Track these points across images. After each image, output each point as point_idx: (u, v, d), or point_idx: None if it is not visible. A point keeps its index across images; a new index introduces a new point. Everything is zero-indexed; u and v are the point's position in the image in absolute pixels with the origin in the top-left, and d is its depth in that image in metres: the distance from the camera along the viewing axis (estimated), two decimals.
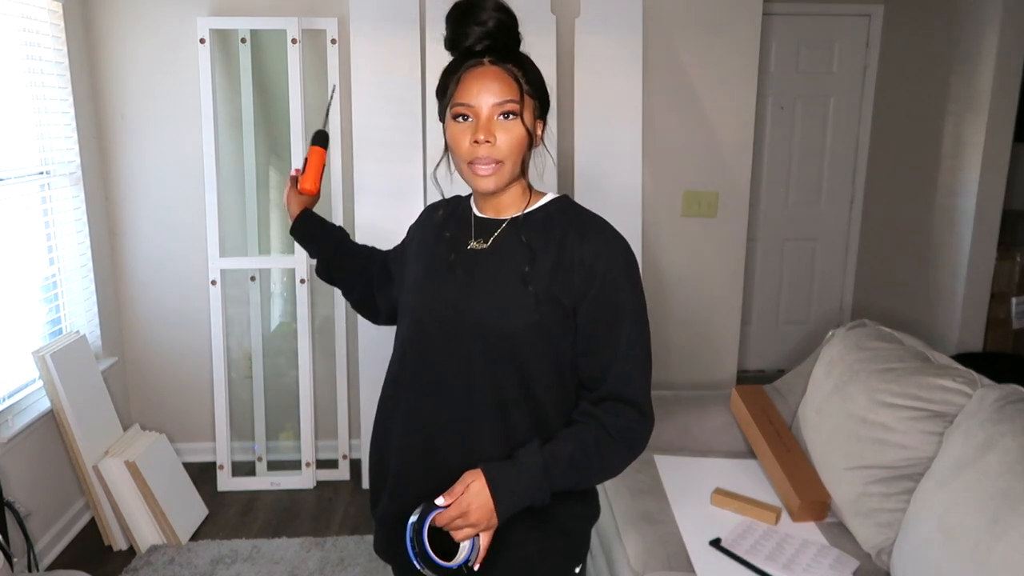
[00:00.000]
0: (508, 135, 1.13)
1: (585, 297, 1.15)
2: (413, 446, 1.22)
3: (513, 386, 1.16)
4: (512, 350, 1.15)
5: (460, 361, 1.17)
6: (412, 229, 1.42)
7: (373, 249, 1.54)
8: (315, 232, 1.53)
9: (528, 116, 1.15)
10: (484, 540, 1.11)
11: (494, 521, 1.10)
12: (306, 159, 1.54)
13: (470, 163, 1.15)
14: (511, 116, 1.13)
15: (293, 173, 1.58)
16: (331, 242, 1.52)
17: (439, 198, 1.36)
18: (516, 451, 1.14)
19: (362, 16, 2.83)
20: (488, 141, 1.12)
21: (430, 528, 1.11)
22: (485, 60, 1.14)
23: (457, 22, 1.14)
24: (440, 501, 1.10)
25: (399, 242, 1.46)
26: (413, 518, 1.11)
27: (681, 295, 3.19)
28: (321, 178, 1.55)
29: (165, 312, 3.10)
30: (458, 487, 1.11)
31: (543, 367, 1.17)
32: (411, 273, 1.30)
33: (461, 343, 1.17)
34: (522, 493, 1.11)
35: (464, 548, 1.11)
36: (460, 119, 1.14)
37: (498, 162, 1.14)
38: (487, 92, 1.12)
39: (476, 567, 1.12)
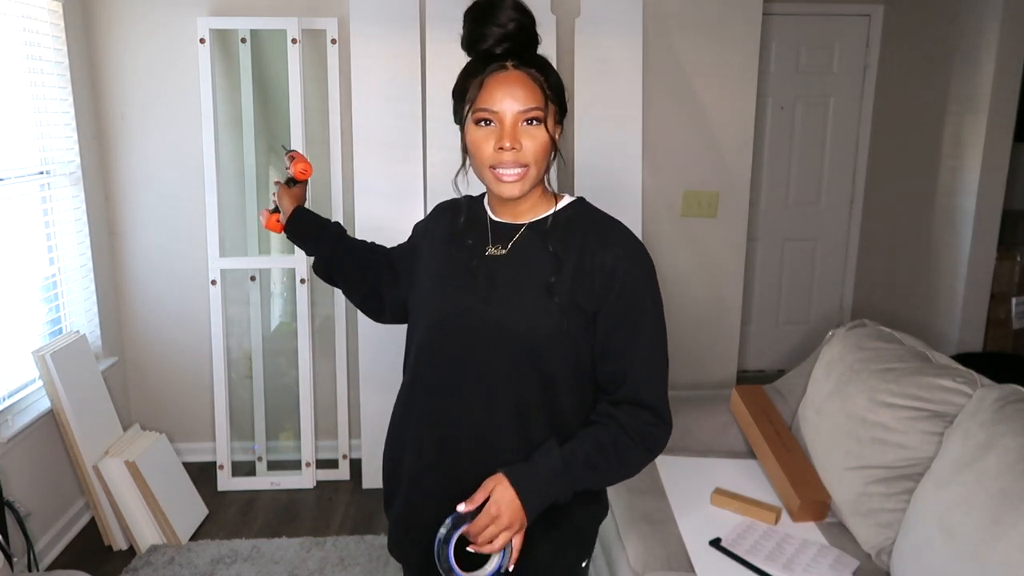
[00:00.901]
0: (533, 141, 1.13)
1: (605, 302, 1.15)
2: (429, 450, 1.22)
3: (534, 391, 1.16)
4: (535, 356, 1.15)
5: (481, 366, 1.17)
6: (420, 228, 1.39)
7: (374, 245, 1.49)
8: (311, 229, 1.46)
9: (551, 122, 1.15)
10: (517, 541, 1.12)
11: (524, 521, 1.11)
12: (291, 156, 1.52)
13: (492, 167, 1.14)
14: (535, 122, 1.12)
15: (278, 180, 1.55)
16: (329, 239, 1.45)
17: (441, 198, 1.36)
18: (533, 453, 1.15)
19: (362, 16, 2.83)
20: (514, 148, 1.11)
21: (459, 540, 1.11)
22: (509, 64, 1.13)
23: (475, 22, 1.13)
24: (461, 507, 1.10)
25: (403, 240, 1.44)
26: (442, 532, 1.11)
27: (681, 295, 3.19)
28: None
29: (165, 312, 3.10)
30: (479, 494, 1.11)
31: (564, 371, 1.17)
32: (424, 276, 1.28)
33: (483, 349, 1.17)
34: (545, 490, 1.12)
35: (495, 555, 1.12)
36: (483, 123, 1.13)
37: (524, 167, 1.13)
38: (512, 98, 1.11)
39: (511, 568, 1.13)
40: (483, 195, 1.29)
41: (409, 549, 1.29)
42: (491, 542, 1.10)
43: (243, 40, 2.91)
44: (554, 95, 1.16)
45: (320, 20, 2.89)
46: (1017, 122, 3.16)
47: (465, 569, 1.12)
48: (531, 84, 1.13)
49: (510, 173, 1.13)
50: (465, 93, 1.15)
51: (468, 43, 1.15)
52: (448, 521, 1.11)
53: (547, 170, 1.19)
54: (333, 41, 2.89)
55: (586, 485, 1.15)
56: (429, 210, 1.42)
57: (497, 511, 1.09)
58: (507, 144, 1.11)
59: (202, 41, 2.81)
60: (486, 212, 1.26)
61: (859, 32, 3.95)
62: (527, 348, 1.15)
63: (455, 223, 1.28)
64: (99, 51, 2.90)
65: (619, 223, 1.22)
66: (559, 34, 2.90)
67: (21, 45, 2.50)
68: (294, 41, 2.82)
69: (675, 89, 3.04)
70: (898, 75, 3.80)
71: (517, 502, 1.09)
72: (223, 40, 2.92)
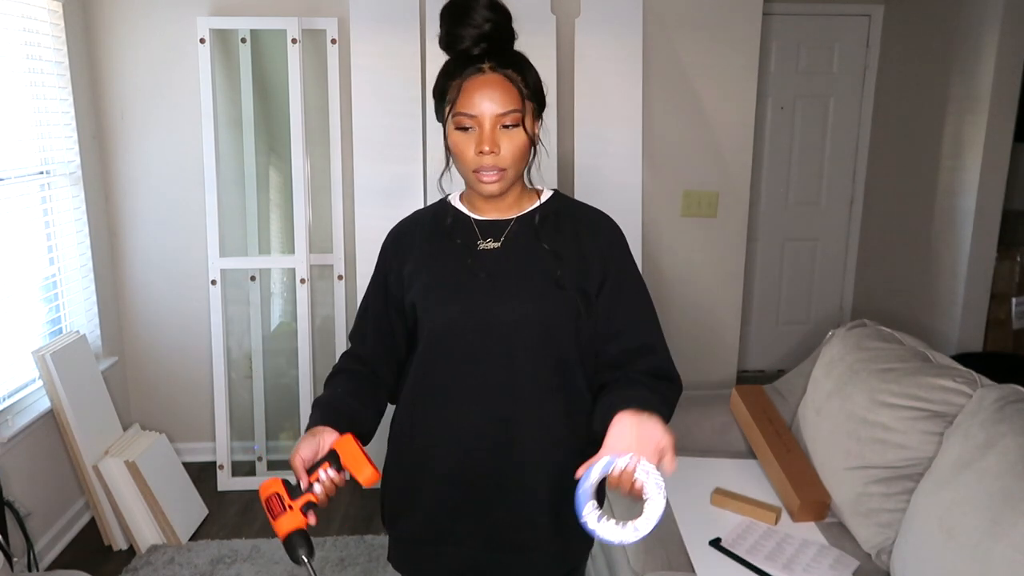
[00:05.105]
0: (511, 143, 1.14)
1: (604, 284, 1.20)
2: (452, 458, 1.21)
3: (551, 375, 1.19)
4: (551, 341, 1.18)
5: (497, 361, 1.18)
6: (385, 260, 1.30)
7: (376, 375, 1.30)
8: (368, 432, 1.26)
9: (528, 120, 1.16)
10: (669, 459, 0.98)
11: (667, 434, 1.01)
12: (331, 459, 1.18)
13: (475, 171, 1.15)
14: (513, 125, 1.14)
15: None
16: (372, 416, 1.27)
17: (439, 197, 1.35)
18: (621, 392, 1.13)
19: (362, 16, 2.83)
20: (493, 151, 1.13)
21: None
22: (485, 67, 1.14)
23: (451, 23, 1.16)
24: (581, 471, 1.00)
25: (377, 293, 1.31)
26: (583, 497, 0.98)
27: (681, 295, 3.19)
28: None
29: (165, 312, 3.10)
30: (600, 453, 1.01)
31: (575, 353, 1.21)
32: (417, 287, 1.23)
33: (498, 343, 1.17)
34: (655, 405, 1.07)
35: (654, 506, 0.99)
36: (463, 128, 1.15)
37: (502, 170, 1.15)
38: (490, 102, 1.12)
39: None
40: (445, 199, 1.30)
41: (426, 565, 1.27)
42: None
43: (243, 40, 2.91)
44: (531, 93, 1.17)
45: (320, 20, 2.89)
46: (1017, 122, 3.16)
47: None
48: (508, 86, 1.14)
49: (489, 175, 1.15)
50: (445, 94, 1.18)
51: (446, 43, 1.18)
52: (587, 477, 0.97)
53: (528, 167, 1.22)
54: (333, 41, 2.89)
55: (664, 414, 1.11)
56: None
57: (636, 440, 1.00)
58: (486, 148, 1.12)
59: (202, 41, 2.81)
60: (463, 213, 1.26)
61: (859, 32, 3.95)
62: (543, 334, 1.17)
63: (438, 226, 1.26)
64: (99, 51, 2.90)
65: (600, 211, 1.29)
66: (559, 34, 2.90)
67: (21, 45, 2.49)
68: (294, 41, 2.82)
69: (675, 89, 3.04)
70: (898, 75, 3.80)
71: (652, 419, 1.00)
72: (223, 40, 2.92)
